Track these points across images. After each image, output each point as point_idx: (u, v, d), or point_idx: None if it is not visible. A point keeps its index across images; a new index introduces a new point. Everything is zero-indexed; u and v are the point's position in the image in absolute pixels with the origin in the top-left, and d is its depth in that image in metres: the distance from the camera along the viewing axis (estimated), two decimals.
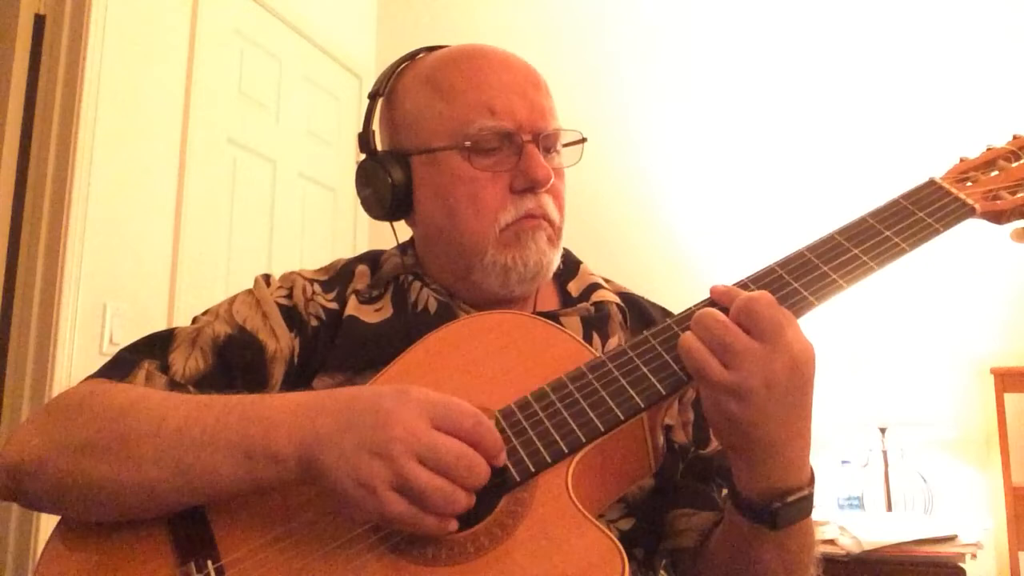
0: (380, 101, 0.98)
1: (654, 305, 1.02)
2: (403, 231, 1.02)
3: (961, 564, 1.96)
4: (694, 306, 0.77)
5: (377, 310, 0.94)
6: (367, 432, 0.66)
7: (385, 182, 0.93)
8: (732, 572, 0.82)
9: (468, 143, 0.89)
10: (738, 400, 0.67)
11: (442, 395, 0.69)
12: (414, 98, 0.94)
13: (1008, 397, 2.36)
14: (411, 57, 0.99)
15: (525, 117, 0.90)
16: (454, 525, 0.66)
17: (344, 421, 0.68)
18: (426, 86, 0.94)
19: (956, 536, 1.99)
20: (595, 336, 0.93)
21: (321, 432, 0.68)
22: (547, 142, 0.92)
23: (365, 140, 0.97)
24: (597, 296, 0.98)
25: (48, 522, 1.93)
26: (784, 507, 0.71)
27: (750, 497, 0.73)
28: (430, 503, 0.65)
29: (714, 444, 0.93)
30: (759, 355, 0.67)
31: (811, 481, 0.73)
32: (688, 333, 0.70)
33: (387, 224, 1.00)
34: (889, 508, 2.49)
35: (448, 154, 0.90)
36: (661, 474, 0.87)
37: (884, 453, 2.51)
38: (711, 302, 0.75)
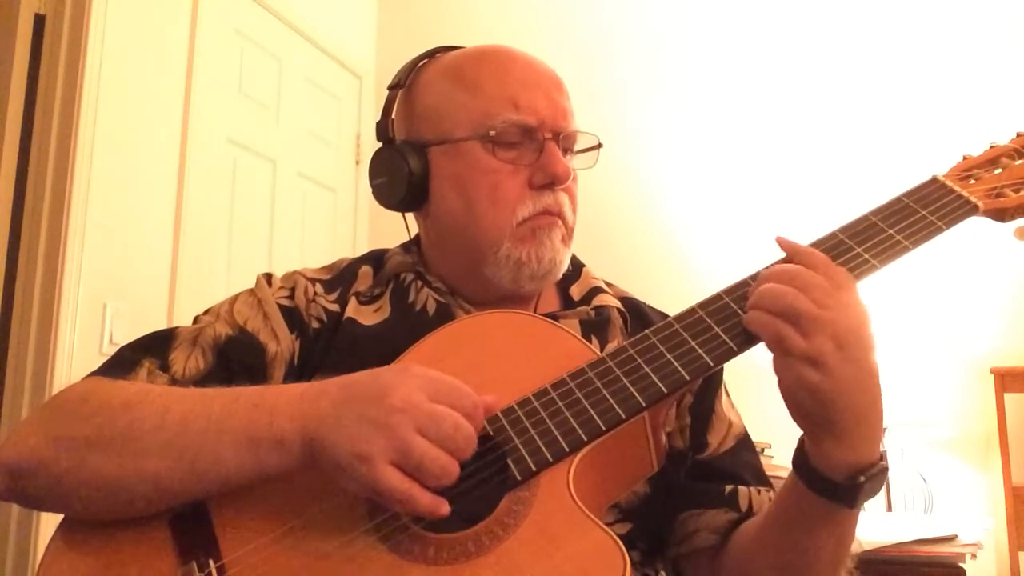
0: (399, 93, 0.99)
1: (656, 311, 1.02)
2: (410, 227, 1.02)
3: (961, 564, 1.95)
4: (694, 305, 0.77)
5: (376, 310, 0.94)
6: (367, 406, 0.67)
7: (402, 170, 0.93)
8: (774, 566, 0.81)
9: (492, 133, 0.90)
10: (816, 368, 0.67)
11: (442, 374, 0.70)
12: (437, 90, 0.95)
13: (1008, 397, 2.36)
14: (431, 55, 1.00)
15: (547, 115, 0.91)
16: (446, 508, 0.66)
17: (345, 399, 0.69)
18: (450, 79, 0.95)
19: (956, 536, 1.98)
20: (594, 340, 0.93)
21: (323, 412, 0.69)
22: (565, 143, 0.93)
23: (383, 128, 0.98)
24: (599, 300, 0.98)
25: (48, 522, 1.93)
26: (868, 480, 0.71)
27: (831, 474, 0.71)
28: (427, 473, 0.65)
29: (712, 448, 0.93)
30: (826, 318, 0.67)
31: (883, 455, 0.73)
32: (752, 311, 0.70)
33: (387, 224, 1.00)
34: (889, 508, 2.49)
35: (470, 144, 0.91)
36: (661, 480, 0.87)
37: (884, 453, 2.51)
38: (711, 299, 0.76)
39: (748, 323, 0.72)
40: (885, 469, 0.72)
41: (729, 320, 0.74)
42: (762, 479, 0.93)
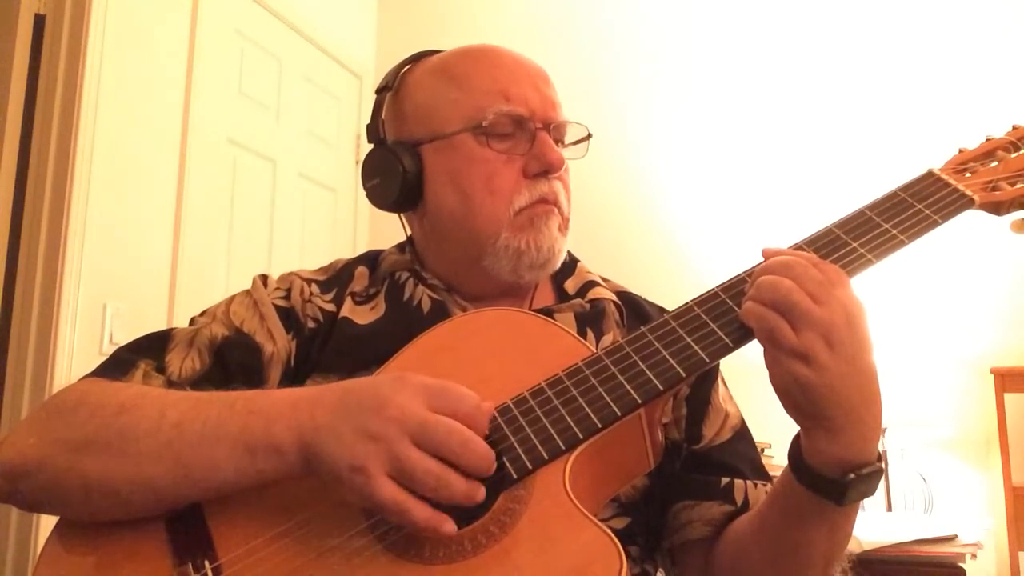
0: (387, 96, 0.99)
1: (652, 304, 1.02)
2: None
3: (961, 564, 1.95)
4: (690, 302, 0.77)
5: (371, 309, 0.94)
6: (363, 417, 0.67)
7: (395, 170, 0.93)
8: (767, 559, 0.81)
9: (485, 124, 0.90)
10: (806, 364, 0.67)
11: (439, 380, 0.69)
12: (427, 89, 0.96)
13: (1008, 397, 2.36)
14: (417, 58, 1.01)
15: (538, 106, 0.92)
16: (450, 527, 0.65)
17: (342, 409, 0.68)
18: (439, 77, 0.95)
19: (956, 536, 1.98)
20: (589, 332, 0.93)
21: (320, 422, 0.68)
22: (556, 133, 0.94)
23: (373, 129, 0.98)
24: (593, 294, 0.98)
25: (48, 522, 1.93)
26: (858, 479, 0.70)
27: (822, 469, 0.71)
28: (421, 485, 0.64)
29: (707, 440, 0.93)
30: (818, 314, 0.67)
31: (880, 457, 0.73)
32: (747, 302, 0.71)
33: (387, 225, 1.00)
34: (889, 508, 2.49)
35: (463, 137, 0.91)
36: (657, 472, 0.87)
37: (884, 453, 2.51)
38: (707, 295, 0.76)
39: (743, 314, 0.71)
40: (879, 471, 0.72)
41: (725, 316, 0.74)
42: (760, 472, 0.93)
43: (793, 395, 0.69)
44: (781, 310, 0.68)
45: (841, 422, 0.69)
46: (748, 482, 0.90)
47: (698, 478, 0.90)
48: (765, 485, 0.91)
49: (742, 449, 0.94)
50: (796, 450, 0.74)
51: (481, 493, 0.66)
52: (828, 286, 0.68)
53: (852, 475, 0.70)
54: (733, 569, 0.85)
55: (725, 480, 0.90)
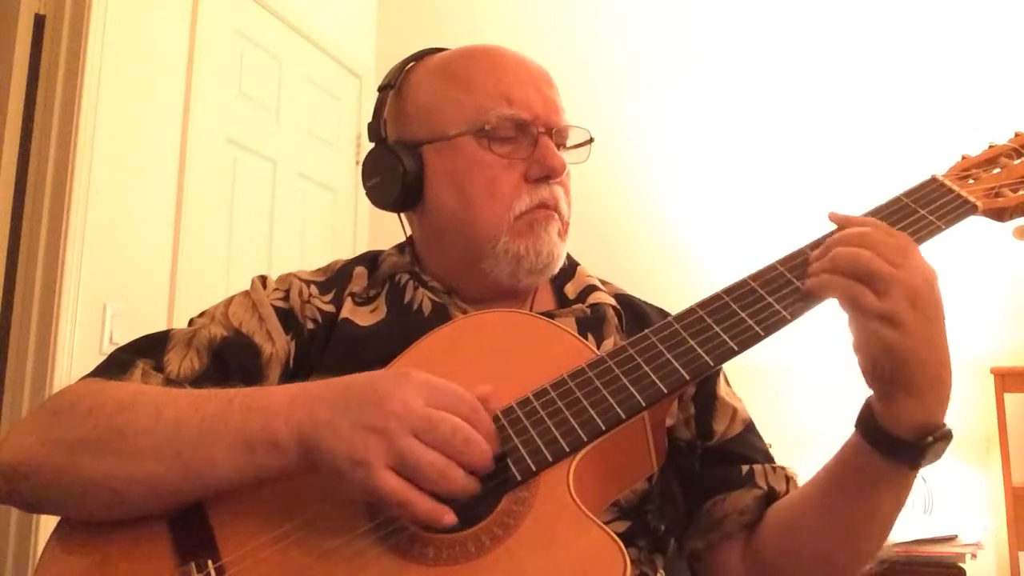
0: (390, 95, 0.99)
1: (651, 307, 1.02)
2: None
3: (961, 564, 1.96)
4: (693, 305, 0.77)
5: (372, 311, 0.94)
6: (364, 411, 0.67)
7: (395, 170, 0.93)
8: (826, 533, 0.81)
9: (487, 128, 0.90)
10: (893, 327, 0.67)
11: (440, 379, 0.70)
12: (429, 89, 0.95)
13: (1008, 397, 2.36)
14: (419, 57, 1.00)
15: (540, 110, 0.92)
16: (451, 518, 0.65)
17: (341, 404, 0.68)
18: (442, 77, 0.95)
19: (956, 536, 1.99)
20: (590, 337, 0.93)
21: (319, 417, 0.68)
22: (558, 138, 0.94)
23: (375, 128, 0.98)
24: (594, 298, 0.98)
25: (48, 523, 1.93)
26: (936, 441, 0.71)
27: (901, 433, 0.72)
28: (424, 477, 0.65)
29: (719, 435, 0.93)
30: (901, 278, 0.68)
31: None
32: (825, 275, 0.71)
33: (387, 225, 1.00)
34: None
35: (465, 140, 0.91)
36: (677, 476, 0.87)
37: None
38: (711, 298, 0.76)
39: (820, 287, 0.71)
40: (950, 433, 0.72)
41: (728, 319, 0.74)
42: (771, 459, 0.94)
43: (879, 359, 0.70)
44: (863, 278, 0.68)
45: (923, 384, 0.70)
46: (766, 466, 0.91)
47: (719, 471, 0.91)
48: (783, 469, 0.92)
49: (753, 440, 0.95)
50: (869, 418, 0.74)
51: (476, 484, 0.67)
52: (904, 251, 0.69)
53: (930, 437, 0.71)
54: (785, 552, 0.85)
55: (745, 468, 0.91)
